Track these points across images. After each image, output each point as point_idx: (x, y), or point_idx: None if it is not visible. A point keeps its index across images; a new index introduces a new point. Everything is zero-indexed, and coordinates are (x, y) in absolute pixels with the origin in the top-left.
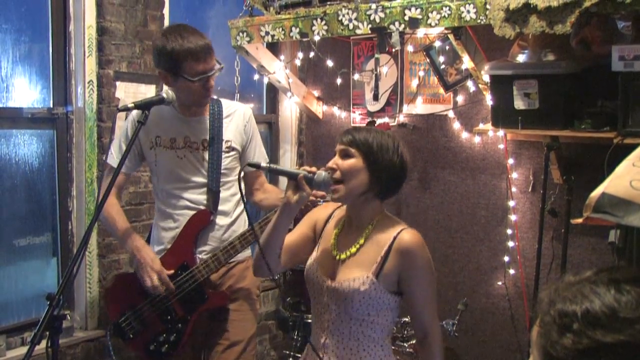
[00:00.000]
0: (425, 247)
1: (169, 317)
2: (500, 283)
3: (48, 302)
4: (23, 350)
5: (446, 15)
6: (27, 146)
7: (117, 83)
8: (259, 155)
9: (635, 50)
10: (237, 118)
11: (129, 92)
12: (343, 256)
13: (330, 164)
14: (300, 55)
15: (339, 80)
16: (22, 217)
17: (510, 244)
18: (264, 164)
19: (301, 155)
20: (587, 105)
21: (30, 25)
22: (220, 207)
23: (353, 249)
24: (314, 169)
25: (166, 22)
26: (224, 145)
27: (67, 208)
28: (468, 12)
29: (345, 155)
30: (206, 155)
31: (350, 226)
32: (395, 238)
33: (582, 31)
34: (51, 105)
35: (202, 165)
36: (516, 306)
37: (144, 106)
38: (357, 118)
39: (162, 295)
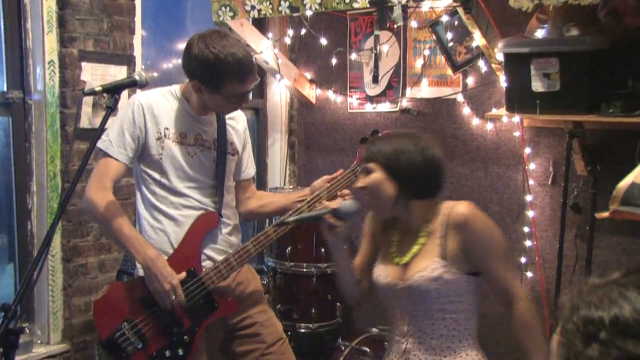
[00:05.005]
0: (481, 214)
1: (174, 330)
2: None
3: (3, 314)
4: None
5: None
6: None
7: (83, 64)
8: (252, 163)
9: None
10: (238, 122)
11: (96, 74)
12: (406, 259)
13: (358, 184)
14: (291, 32)
15: (334, 61)
16: None
17: (528, 243)
18: (291, 219)
19: (292, 145)
20: (616, 86)
21: None
22: (223, 211)
23: (415, 249)
24: (336, 202)
25: None
26: (229, 148)
27: (26, 206)
28: None
29: (366, 172)
30: (215, 156)
31: (408, 231)
32: (448, 215)
33: (612, 0)
34: (5, 89)
35: (211, 165)
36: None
37: (113, 90)
38: (354, 103)
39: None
